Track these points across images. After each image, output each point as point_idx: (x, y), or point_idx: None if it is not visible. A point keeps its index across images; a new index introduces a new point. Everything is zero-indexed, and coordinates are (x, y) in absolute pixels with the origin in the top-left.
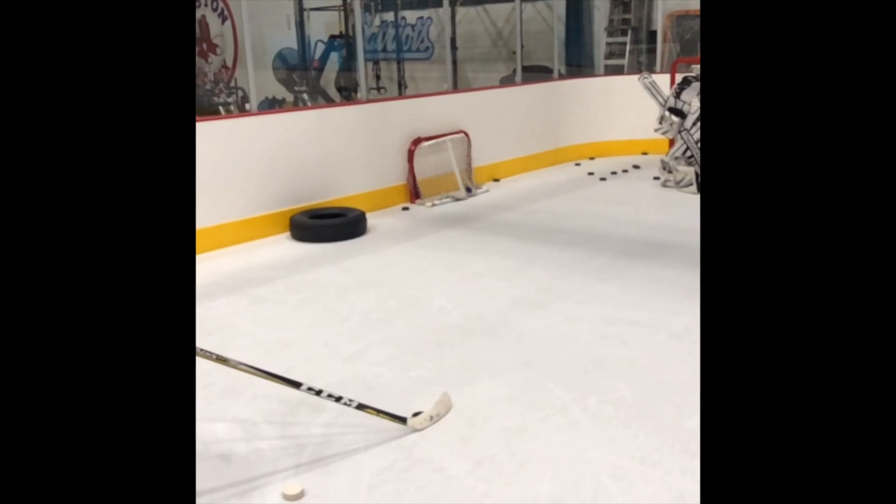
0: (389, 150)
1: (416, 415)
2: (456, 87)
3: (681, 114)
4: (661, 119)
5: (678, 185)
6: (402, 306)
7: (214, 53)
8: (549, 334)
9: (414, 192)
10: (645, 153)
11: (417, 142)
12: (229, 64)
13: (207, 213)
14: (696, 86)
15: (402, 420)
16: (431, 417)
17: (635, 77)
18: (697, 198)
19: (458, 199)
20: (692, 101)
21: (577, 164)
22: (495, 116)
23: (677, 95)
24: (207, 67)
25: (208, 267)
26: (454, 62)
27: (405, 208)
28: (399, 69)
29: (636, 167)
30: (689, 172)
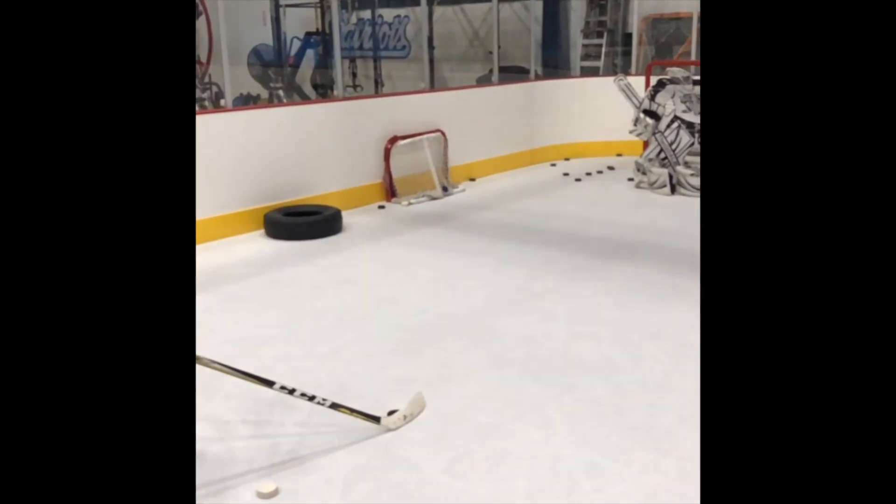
0: (365, 148)
1: (390, 414)
2: (433, 86)
3: (655, 116)
4: (636, 121)
5: (652, 186)
6: (378, 305)
7: None
8: (525, 333)
9: (390, 191)
10: (620, 155)
11: (394, 140)
12: (203, 59)
13: None
14: (671, 88)
15: (376, 419)
16: (405, 417)
17: (611, 79)
18: (671, 199)
19: (434, 198)
20: (666, 104)
21: (553, 165)
22: (472, 116)
23: (652, 98)
24: None
25: None
26: (431, 61)
27: (381, 207)
28: (376, 67)
29: (611, 168)
30: (663, 174)
